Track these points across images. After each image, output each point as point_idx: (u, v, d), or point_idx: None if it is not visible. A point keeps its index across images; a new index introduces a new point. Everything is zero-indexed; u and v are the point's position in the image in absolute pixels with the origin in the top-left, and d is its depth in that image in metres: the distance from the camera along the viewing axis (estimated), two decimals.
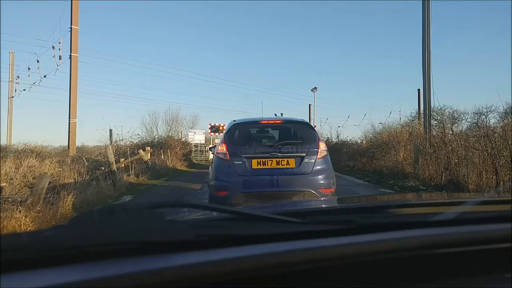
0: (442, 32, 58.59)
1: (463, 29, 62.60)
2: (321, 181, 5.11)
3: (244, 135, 5.62)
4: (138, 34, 69.73)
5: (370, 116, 51.25)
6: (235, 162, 5.08)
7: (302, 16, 74.94)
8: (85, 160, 13.77)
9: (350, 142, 22.12)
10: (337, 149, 20.41)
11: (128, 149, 15.96)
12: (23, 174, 10.07)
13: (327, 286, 0.73)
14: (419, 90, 20.39)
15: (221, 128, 28.62)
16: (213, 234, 0.78)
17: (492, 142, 8.55)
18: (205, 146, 29.18)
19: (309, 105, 33.51)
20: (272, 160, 5.14)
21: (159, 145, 20.07)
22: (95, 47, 65.57)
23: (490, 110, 12.11)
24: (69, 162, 12.75)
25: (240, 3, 75.39)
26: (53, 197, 6.59)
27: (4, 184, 8.73)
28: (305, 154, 5.16)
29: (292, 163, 5.14)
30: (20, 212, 5.36)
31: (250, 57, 74.04)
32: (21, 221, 5.20)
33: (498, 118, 12.34)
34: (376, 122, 29.15)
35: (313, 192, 5.00)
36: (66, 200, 6.68)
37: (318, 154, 5.20)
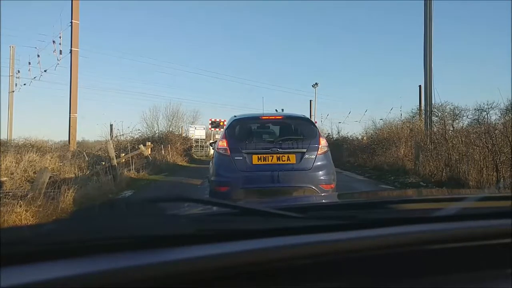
0: (443, 29, 58.49)
1: (464, 26, 62.45)
2: (321, 177, 5.12)
3: (244, 131, 5.62)
4: (139, 29, 69.73)
5: (371, 112, 51.13)
6: (235, 158, 5.08)
7: (304, 12, 74.73)
8: (85, 155, 13.80)
9: (351, 138, 22.12)
10: (337, 145, 20.39)
11: (128, 144, 15.99)
12: (23, 168, 10.09)
13: (328, 281, 0.73)
14: (420, 86, 20.38)
15: (221, 123, 28.60)
16: (214, 229, 0.78)
17: (493, 138, 8.54)
18: (205, 142, 29.16)
19: (310, 101, 33.46)
20: (272, 156, 5.14)
21: (160, 140, 20.07)
22: (96, 41, 65.44)
23: (491, 107, 12.13)
24: (70, 157, 12.78)
25: None
26: (53, 191, 6.60)
27: (5, 178, 8.75)
28: (305, 150, 5.16)
29: (293, 159, 5.15)
30: (20, 206, 5.37)
31: (250, 53, 73.94)
32: (21, 216, 5.21)
33: (499, 115, 12.34)
34: (377, 118, 29.04)
35: (314, 188, 5.01)
36: (67, 195, 6.69)
37: (319, 150, 5.20)
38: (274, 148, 5.15)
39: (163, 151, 18.51)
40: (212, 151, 7.60)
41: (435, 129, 12.10)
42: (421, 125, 13.88)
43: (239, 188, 4.99)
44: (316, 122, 16.37)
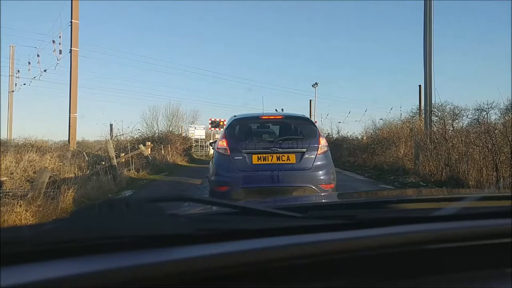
0: (444, 29, 58.58)
1: (465, 25, 62.48)
2: (321, 177, 5.11)
3: (244, 131, 5.62)
4: (139, 29, 69.68)
5: (371, 112, 51.14)
6: (235, 158, 5.08)
7: (304, 12, 74.72)
8: (85, 155, 13.79)
9: (351, 138, 22.14)
10: (337, 145, 20.41)
11: (128, 144, 15.98)
12: (23, 168, 10.08)
13: (328, 280, 0.73)
14: (420, 86, 20.38)
15: (221, 123, 28.58)
16: (214, 228, 0.78)
17: (493, 138, 8.54)
18: (205, 141, 29.16)
19: (310, 100, 33.44)
20: (272, 156, 5.13)
21: (160, 140, 20.06)
22: (96, 41, 65.51)
23: (491, 107, 12.11)
24: (70, 157, 12.77)
25: None
26: (53, 191, 6.59)
27: (5, 178, 8.75)
28: (305, 149, 5.16)
29: (293, 158, 5.14)
30: (20, 206, 5.37)
31: (251, 52, 73.92)
32: (21, 216, 5.21)
33: (499, 115, 12.34)
34: (377, 118, 29.10)
35: (314, 187, 5.00)
36: (67, 195, 6.69)
37: (319, 149, 5.19)
38: (274, 147, 5.15)
39: (163, 151, 18.50)
40: (212, 151, 7.61)
41: (435, 129, 12.10)
42: (421, 125, 13.88)
43: (239, 187, 4.99)
44: (316, 121, 16.39)
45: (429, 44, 12.14)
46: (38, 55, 20.16)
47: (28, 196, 5.89)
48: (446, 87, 50.17)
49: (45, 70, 19.98)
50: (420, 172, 11.09)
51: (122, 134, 17.84)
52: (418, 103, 19.97)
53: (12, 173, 9.40)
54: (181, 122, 34.52)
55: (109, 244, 0.68)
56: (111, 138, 17.33)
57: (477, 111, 12.44)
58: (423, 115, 13.61)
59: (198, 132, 30.28)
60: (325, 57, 71.52)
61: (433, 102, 12.41)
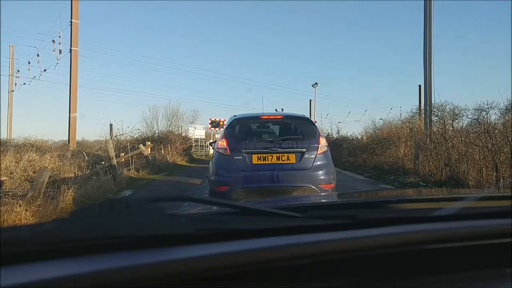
0: (444, 29, 58.59)
1: (465, 25, 62.49)
2: (321, 177, 5.11)
3: (244, 130, 5.62)
4: (139, 29, 69.67)
5: (370, 112, 51.06)
6: (235, 157, 5.08)
7: (304, 12, 74.69)
8: (85, 155, 13.78)
9: (351, 138, 22.14)
10: (337, 145, 20.41)
11: (128, 143, 15.98)
12: (23, 168, 10.09)
13: (328, 280, 0.73)
14: (420, 86, 20.38)
15: (221, 123, 28.57)
16: (214, 228, 0.78)
17: (493, 138, 8.55)
18: (205, 141, 29.17)
19: (310, 100, 33.42)
20: (272, 156, 5.13)
21: (160, 140, 20.06)
22: (96, 41, 65.51)
23: (490, 107, 12.11)
24: (70, 157, 12.77)
25: None
26: (53, 191, 6.59)
27: (5, 178, 8.75)
28: (305, 149, 5.16)
29: (293, 158, 5.14)
30: (20, 206, 5.36)
31: (251, 52, 73.88)
32: (21, 215, 5.21)
33: (499, 115, 12.34)
34: (377, 118, 29.07)
35: (313, 187, 5.00)
36: (67, 195, 6.69)
37: (319, 149, 5.19)
38: (274, 147, 5.15)
39: (162, 151, 18.49)
40: (211, 151, 7.61)
41: (434, 129, 12.09)
42: (420, 124, 13.88)
43: (239, 187, 4.99)
44: (316, 121, 16.38)
45: (429, 44, 12.13)
46: (38, 55, 20.17)
47: (28, 195, 5.89)
48: (446, 87, 50.13)
49: (45, 70, 19.98)
50: (420, 172, 11.10)
51: (122, 134, 17.85)
52: (418, 103, 19.99)
53: (12, 173, 9.40)
54: (181, 122, 34.62)
55: (109, 244, 0.68)
56: (111, 138, 17.33)
57: (477, 111, 12.44)
58: (423, 115, 13.59)
59: (198, 132, 30.29)
60: (325, 57, 71.59)
61: (433, 102, 12.41)
